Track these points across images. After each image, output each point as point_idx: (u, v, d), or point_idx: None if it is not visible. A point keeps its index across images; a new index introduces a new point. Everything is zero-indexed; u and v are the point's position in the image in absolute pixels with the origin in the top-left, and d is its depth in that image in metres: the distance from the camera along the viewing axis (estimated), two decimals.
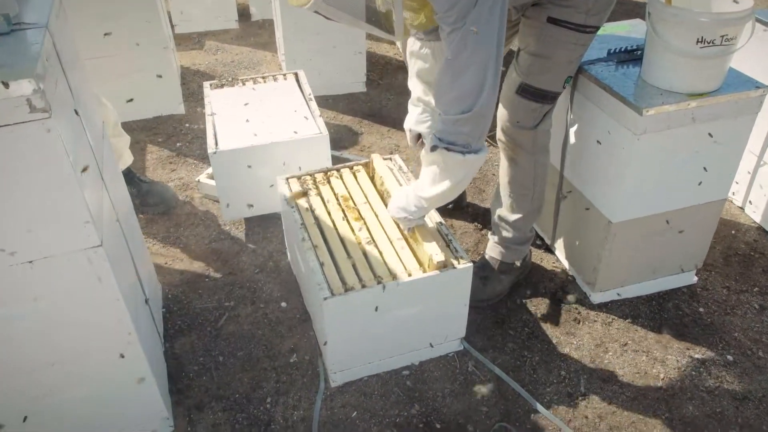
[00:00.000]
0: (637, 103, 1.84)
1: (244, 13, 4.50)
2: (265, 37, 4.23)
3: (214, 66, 3.89)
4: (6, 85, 1.20)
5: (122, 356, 1.61)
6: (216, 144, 2.36)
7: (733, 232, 2.57)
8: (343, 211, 2.03)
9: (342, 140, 3.13)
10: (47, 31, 1.44)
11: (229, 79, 2.82)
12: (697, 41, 1.79)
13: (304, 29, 3.30)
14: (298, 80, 2.83)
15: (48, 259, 1.39)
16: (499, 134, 2.07)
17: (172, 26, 4.20)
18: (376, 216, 2.01)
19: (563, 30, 1.82)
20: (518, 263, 2.22)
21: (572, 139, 2.17)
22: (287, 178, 2.15)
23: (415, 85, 2.06)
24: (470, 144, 1.63)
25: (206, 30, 4.32)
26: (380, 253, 1.87)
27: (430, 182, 1.75)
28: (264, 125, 2.48)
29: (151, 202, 2.63)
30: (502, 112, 2.03)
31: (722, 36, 1.79)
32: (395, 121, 3.27)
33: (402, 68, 3.79)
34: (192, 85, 3.66)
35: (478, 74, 1.53)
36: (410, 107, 2.13)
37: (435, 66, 1.90)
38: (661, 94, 1.88)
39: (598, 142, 2.03)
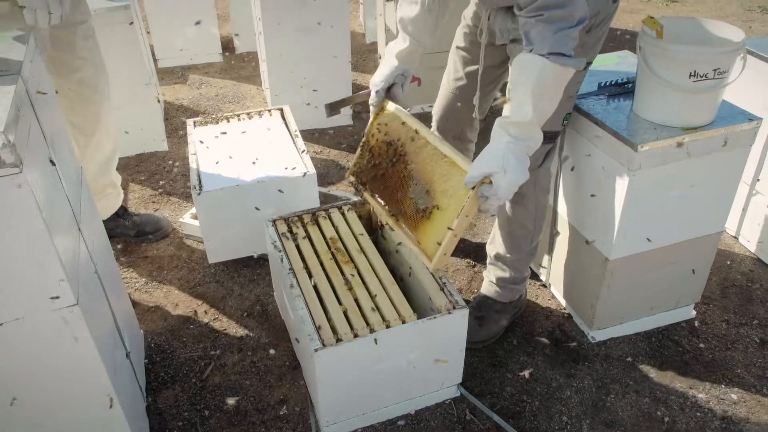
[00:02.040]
0: (632, 139, 1.80)
1: (228, 46, 4.47)
2: (249, 70, 4.19)
3: (198, 100, 3.83)
4: None
5: (101, 418, 1.52)
6: (200, 184, 2.29)
7: (728, 262, 2.53)
8: (332, 254, 1.96)
9: (329, 176, 3.08)
10: (20, 78, 1.38)
11: (213, 115, 2.76)
12: (690, 75, 1.76)
13: (288, 62, 3.26)
14: (283, 116, 2.78)
15: (20, 321, 1.31)
16: None
17: (155, 60, 4.15)
18: (367, 258, 1.94)
19: None
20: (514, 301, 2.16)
21: (565, 176, 2.12)
22: (274, 220, 2.09)
23: None
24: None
25: (190, 63, 4.27)
26: (372, 298, 1.80)
27: (546, 101, 1.51)
28: (249, 164, 2.41)
29: (149, 230, 2.65)
30: None
31: (715, 69, 1.76)
32: None
33: None
34: (175, 120, 3.60)
35: None
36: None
37: None
38: (655, 128, 1.85)
39: (592, 178, 1.99)
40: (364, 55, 4.36)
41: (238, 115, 2.77)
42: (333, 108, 1.99)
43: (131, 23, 3.01)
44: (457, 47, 2.06)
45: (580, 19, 1.45)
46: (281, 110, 2.81)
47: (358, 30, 4.77)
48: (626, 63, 2.26)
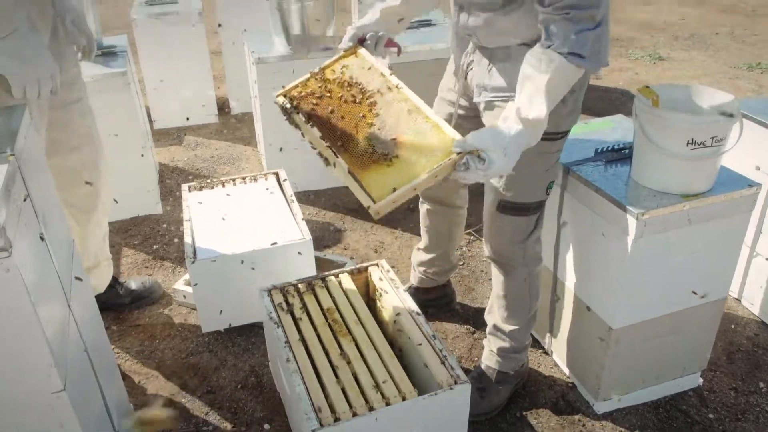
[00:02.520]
0: (632, 207, 1.78)
1: (223, 107, 4.50)
2: (244, 131, 4.21)
3: (193, 162, 3.83)
4: None
5: None
6: (194, 253, 2.25)
7: (732, 326, 2.49)
8: (329, 325, 1.91)
9: (324, 239, 3.05)
10: (13, 156, 1.36)
11: (209, 180, 2.75)
12: (688, 143, 1.76)
13: (283, 123, 3.25)
14: (278, 180, 2.77)
15: (1, 408, 1.25)
16: (488, 252, 1.99)
17: (151, 122, 4.17)
18: (365, 330, 1.89)
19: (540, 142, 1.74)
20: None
21: (565, 242, 2.10)
22: (269, 290, 2.04)
23: None
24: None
25: (185, 125, 4.29)
26: (371, 373, 1.74)
27: (555, 98, 1.54)
28: (244, 230, 2.38)
29: (144, 294, 2.60)
30: (488, 231, 1.95)
31: (712, 137, 1.76)
32: None
33: None
34: (170, 182, 3.58)
35: None
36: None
37: None
38: (655, 195, 1.83)
39: (592, 245, 1.97)
40: None
41: (234, 180, 2.75)
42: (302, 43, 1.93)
43: (128, 87, 3.03)
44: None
45: (599, 22, 1.48)
46: (276, 174, 2.80)
47: None
48: (621, 127, 2.27)
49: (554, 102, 1.54)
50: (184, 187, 2.68)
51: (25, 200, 1.35)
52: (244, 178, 2.77)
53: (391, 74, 1.79)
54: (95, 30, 3.22)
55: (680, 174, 1.82)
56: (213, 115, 4.34)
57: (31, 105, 1.76)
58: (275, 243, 2.29)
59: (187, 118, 4.29)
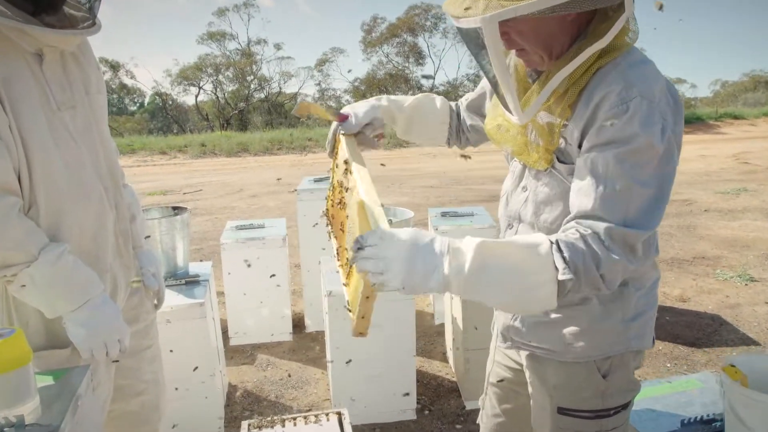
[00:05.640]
0: None
1: (299, 324, 4.56)
2: (316, 351, 4.20)
3: (262, 384, 3.80)
4: None
5: None
6: None
7: None
8: None
9: None
10: None
11: (269, 418, 2.67)
12: None
13: (353, 352, 3.22)
14: (340, 420, 2.66)
15: None
16: None
17: (228, 338, 4.26)
18: None
19: (581, 421, 1.55)
20: None
21: None
22: None
23: None
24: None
25: (260, 342, 4.35)
26: None
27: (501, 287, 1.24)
28: None
29: None
30: None
31: None
32: None
33: (455, 391, 3.60)
34: (236, 407, 3.53)
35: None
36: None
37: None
38: None
39: None
40: (431, 338, 4.32)
41: (294, 419, 2.67)
42: (300, 110, 1.81)
43: (204, 316, 3.13)
44: (491, 383, 1.94)
45: (608, 283, 1.27)
46: (339, 414, 2.69)
47: (426, 310, 4.81)
48: (709, 389, 2.07)
49: (496, 283, 1.23)
50: (244, 424, 2.62)
51: None
52: (305, 417, 2.68)
53: (345, 160, 1.58)
54: (184, 262, 3.45)
55: None
56: (287, 333, 4.39)
57: (99, 364, 1.81)
58: None
59: (262, 337, 4.36)
